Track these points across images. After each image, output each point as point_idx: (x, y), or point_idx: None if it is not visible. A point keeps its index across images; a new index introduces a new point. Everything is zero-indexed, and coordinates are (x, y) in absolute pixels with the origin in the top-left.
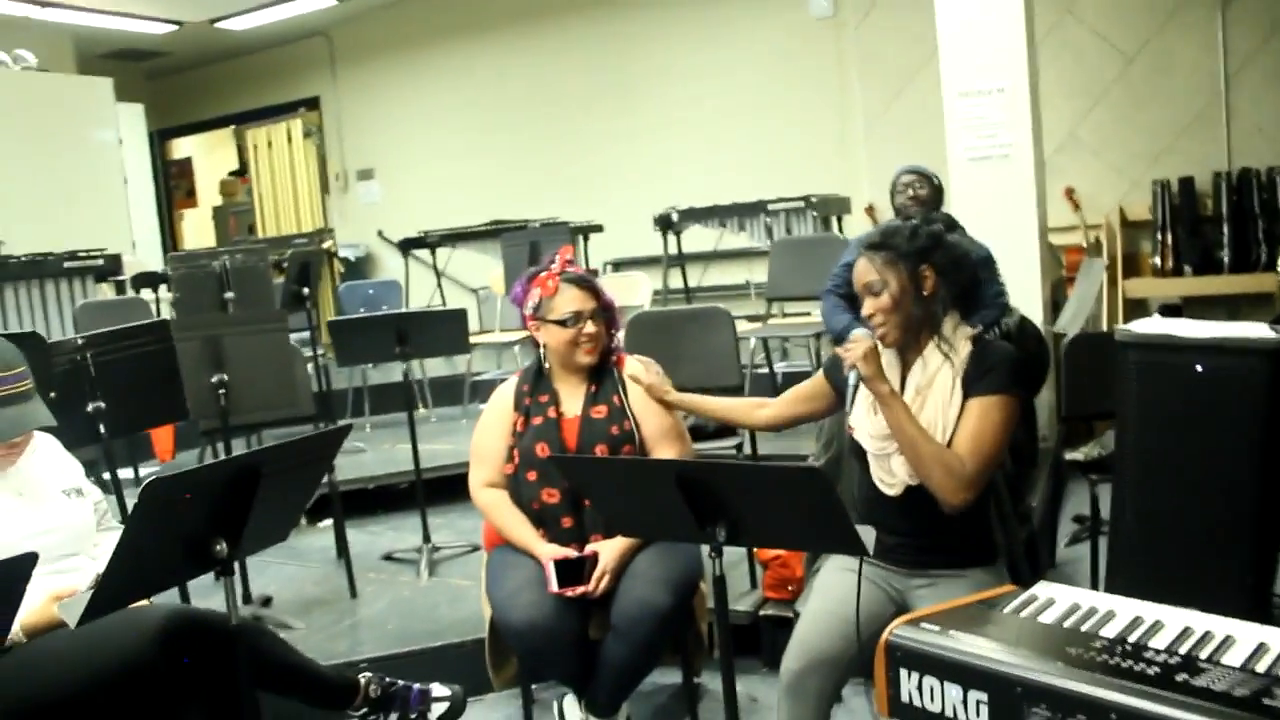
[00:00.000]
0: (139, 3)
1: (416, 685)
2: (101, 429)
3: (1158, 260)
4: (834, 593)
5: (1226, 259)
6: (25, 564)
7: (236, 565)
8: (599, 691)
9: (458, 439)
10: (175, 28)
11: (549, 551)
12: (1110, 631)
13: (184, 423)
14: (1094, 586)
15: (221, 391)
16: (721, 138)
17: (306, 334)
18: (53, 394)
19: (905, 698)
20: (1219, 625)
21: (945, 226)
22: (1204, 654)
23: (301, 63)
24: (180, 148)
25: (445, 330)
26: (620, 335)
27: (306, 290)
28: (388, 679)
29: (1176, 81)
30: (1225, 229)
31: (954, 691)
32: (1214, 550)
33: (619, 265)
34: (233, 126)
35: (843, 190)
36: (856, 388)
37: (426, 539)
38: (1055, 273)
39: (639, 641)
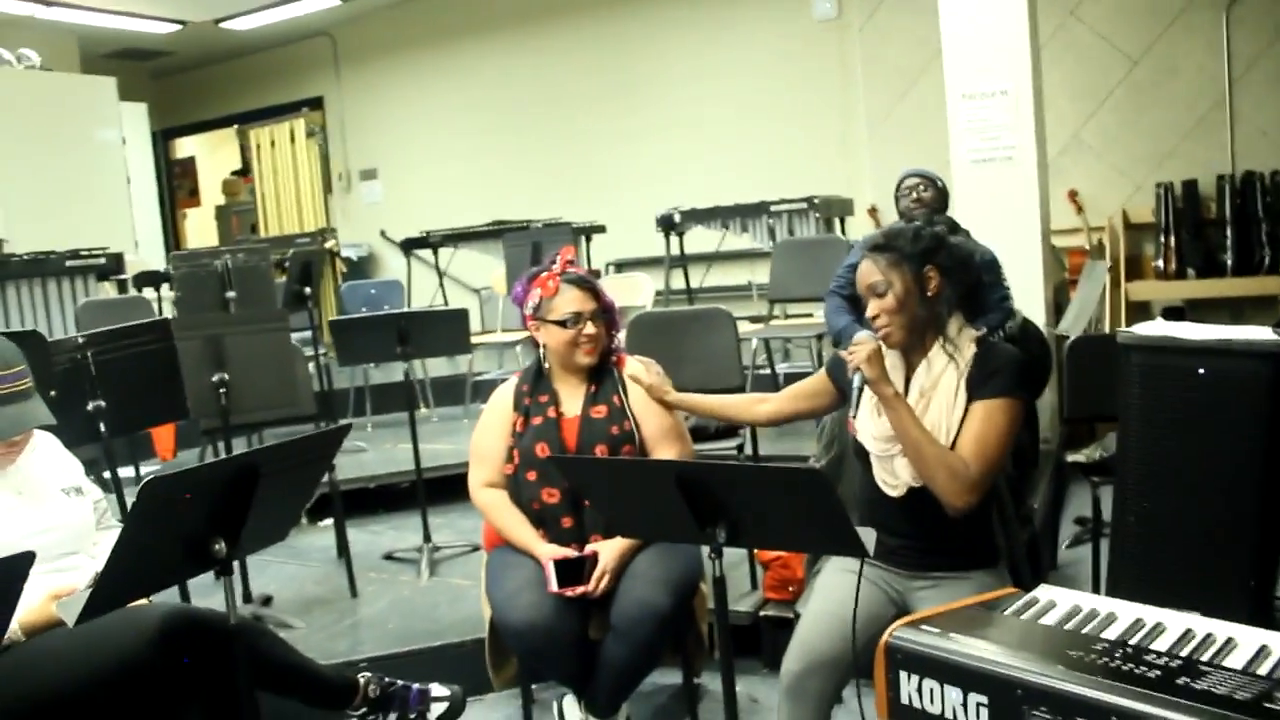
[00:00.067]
0: (143, 2)
1: (416, 685)
2: (102, 428)
3: (1161, 263)
4: (835, 594)
5: (1230, 262)
6: (23, 563)
7: (236, 564)
8: (599, 692)
9: (459, 439)
10: (179, 27)
11: (549, 551)
12: (1111, 634)
13: (185, 422)
14: (1095, 589)
15: (222, 391)
16: (724, 139)
17: (308, 333)
18: (53, 392)
19: (905, 700)
20: (1221, 628)
21: (948, 230)
22: (1205, 657)
23: (305, 63)
24: (183, 147)
25: (446, 330)
26: (621, 336)
27: (308, 290)
28: (387, 679)
29: (1180, 84)
30: (1229, 232)
31: (954, 694)
32: (1216, 553)
33: (621, 266)
34: (236, 126)
35: (846, 192)
36: (861, 389)
37: (427, 539)
38: (1058, 275)
39: (639, 642)
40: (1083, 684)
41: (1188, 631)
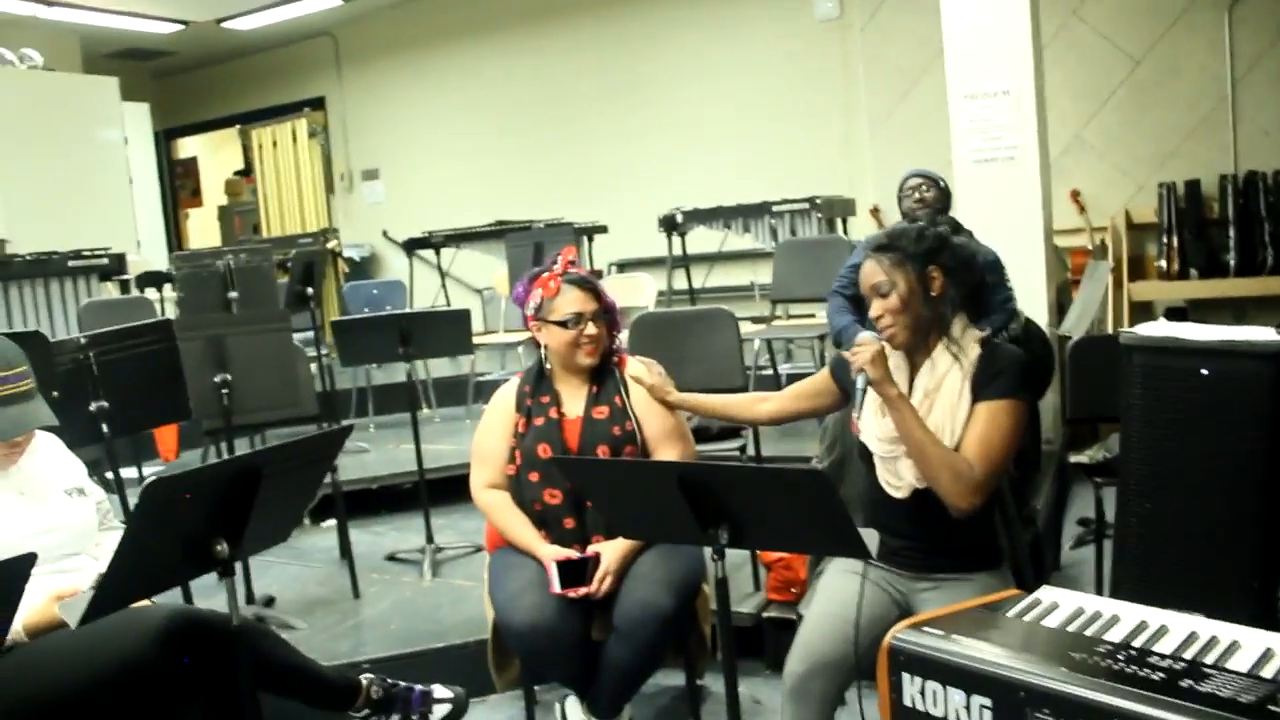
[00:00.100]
0: (145, 2)
1: (419, 686)
2: (104, 428)
3: (1163, 263)
4: (838, 595)
5: (1233, 262)
6: (24, 564)
7: (239, 565)
8: (601, 693)
9: (461, 439)
10: (181, 27)
11: (551, 553)
12: (1115, 636)
13: (187, 422)
14: (1099, 590)
15: (224, 391)
16: (726, 139)
17: (310, 334)
18: (55, 393)
19: (908, 702)
20: (1225, 630)
21: (950, 231)
22: (1209, 659)
23: (307, 63)
24: (185, 147)
25: (449, 331)
26: (624, 336)
27: (310, 290)
28: (389, 680)
29: (1183, 84)
30: (1231, 232)
31: (957, 696)
32: (1219, 554)
33: (624, 266)
34: (238, 126)
35: (848, 192)
36: (865, 391)
37: (430, 540)
38: (1060, 275)
39: (641, 643)
40: (1086, 686)
41: (1192, 634)
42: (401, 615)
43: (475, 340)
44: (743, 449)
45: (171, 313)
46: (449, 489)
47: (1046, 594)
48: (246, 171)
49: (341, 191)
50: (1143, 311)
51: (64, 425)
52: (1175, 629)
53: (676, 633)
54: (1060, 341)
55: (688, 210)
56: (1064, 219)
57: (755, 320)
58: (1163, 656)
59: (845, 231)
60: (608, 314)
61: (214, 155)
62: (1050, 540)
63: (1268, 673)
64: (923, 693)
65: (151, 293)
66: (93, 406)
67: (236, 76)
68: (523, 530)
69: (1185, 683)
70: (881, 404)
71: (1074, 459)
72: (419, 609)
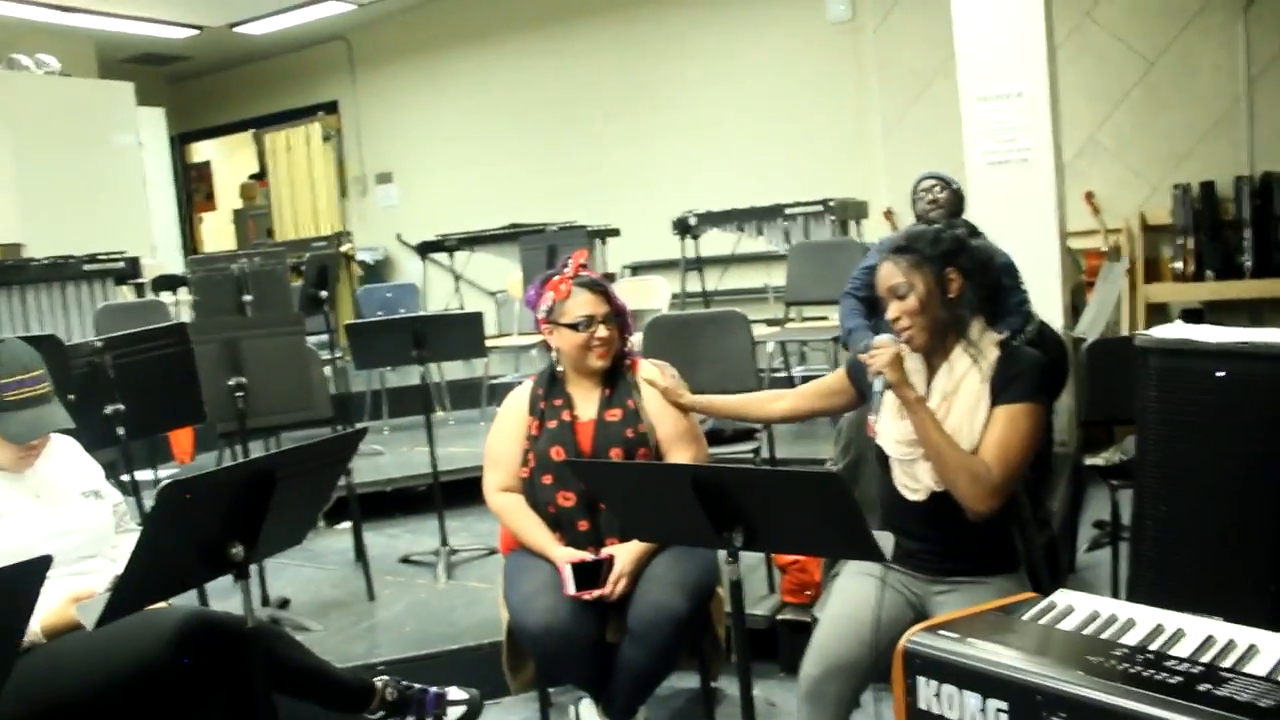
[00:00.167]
0: (160, 7)
1: (433, 688)
2: (120, 431)
3: (1179, 265)
4: (853, 598)
5: (1248, 264)
6: (40, 566)
7: (254, 568)
8: (615, 695)
9: (475, 442)
10: (195, 32)
11: (565, 555)
12: (1131, 640)
13: (202, 425)
14: (1114, 593)
15: (239, 394)
16: (739, 142)
17: (324, 337)
18: (71, 396)
19: (924, 705)
20: (1242, 634)
21: (967, 233)
22: (1227, 663)
23: (320, 67)
24: (200, 151)
25: (462, 333)
26: (637, 339)
27: (324, 293)
28: (404, 682)
29: (1197, 85)
30: (1247, 233)
31: (973, 700)
32: (1235, 557)
33: (637, 269)
34: (252, 130)
35: (861, 194)
36: (881, 394)
37: (444, 542)
38: (1075, 277)
39: (655, 646)
40: (1103, 690)
41: (1209, 637)
42: (416, 617)
43: (489, 343)
44: (757, 451)
45: (186, 316)
46: (463, 491)
47: (1062, 597)
48: (261, 175)
49: (355, 195)
50: (1158, 314)
51: (80, 428)
52: (1192, 632)
53: (690, 635)
54: (1075, 343)
55: (701, 213)
56: (1078, 221)
57: (769, 323)
58: (1180, 660)
59: (859, 234)
60: (619, 316)
61: (228, 159)
62: (1066, 543)
63: None
64: (938, 696)
65: (166, 296)
66: (108, 409)
67: (250, 81)
68: (537, 533)
69: (1203, 686)
70: (899, 407)
71: (1089, 461)
72: (433, 611)
